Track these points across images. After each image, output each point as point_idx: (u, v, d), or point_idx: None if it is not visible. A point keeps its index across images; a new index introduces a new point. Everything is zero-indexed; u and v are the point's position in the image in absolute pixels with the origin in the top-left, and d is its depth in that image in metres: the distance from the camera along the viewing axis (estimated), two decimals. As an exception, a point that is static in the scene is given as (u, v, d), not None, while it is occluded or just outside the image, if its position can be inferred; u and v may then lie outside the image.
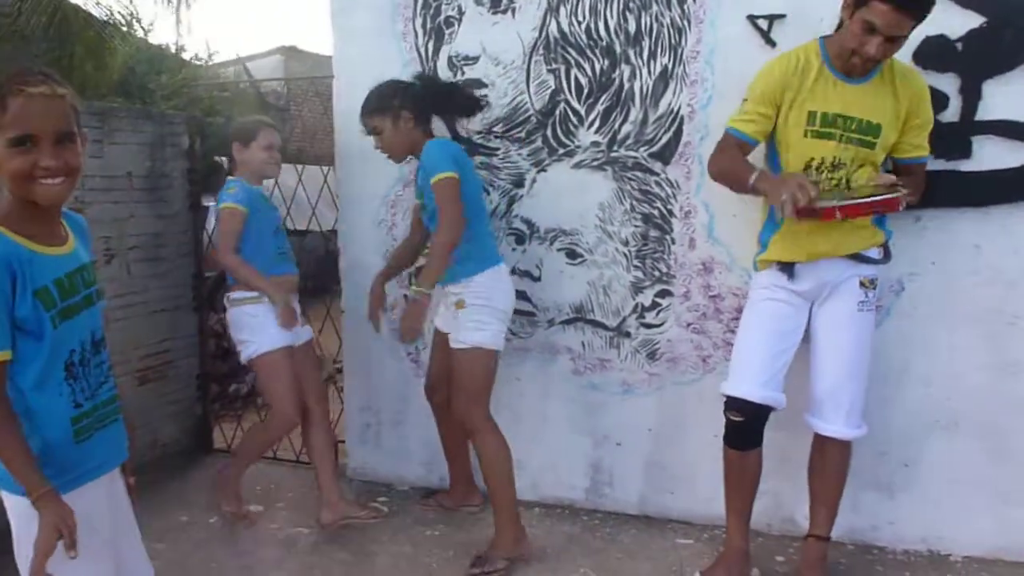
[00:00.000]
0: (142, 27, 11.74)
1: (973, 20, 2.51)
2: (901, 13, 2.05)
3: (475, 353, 2.67)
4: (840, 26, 2.27)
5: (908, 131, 2.34)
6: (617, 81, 2.89)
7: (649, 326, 2.97)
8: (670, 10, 2.80)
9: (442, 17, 3.07)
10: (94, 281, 1.57)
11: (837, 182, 2.34)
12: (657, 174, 2.88)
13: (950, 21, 2.52)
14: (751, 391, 2.41)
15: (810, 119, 2.30)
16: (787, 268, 2.44)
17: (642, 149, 2.89)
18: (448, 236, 2.61)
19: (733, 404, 2.46)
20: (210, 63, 12.36)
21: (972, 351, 2.65)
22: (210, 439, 3.94)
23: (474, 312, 2.67)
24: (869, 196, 2.18)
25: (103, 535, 1.54)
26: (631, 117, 2.89)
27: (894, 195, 2.15)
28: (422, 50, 3.12)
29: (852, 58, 2.20)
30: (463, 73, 3.06)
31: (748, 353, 2.48)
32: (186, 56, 11.53)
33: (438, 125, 3.08)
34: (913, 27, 2.12)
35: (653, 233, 2.92)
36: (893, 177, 2.29)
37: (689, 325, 2.92)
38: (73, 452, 1.50)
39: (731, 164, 2.38)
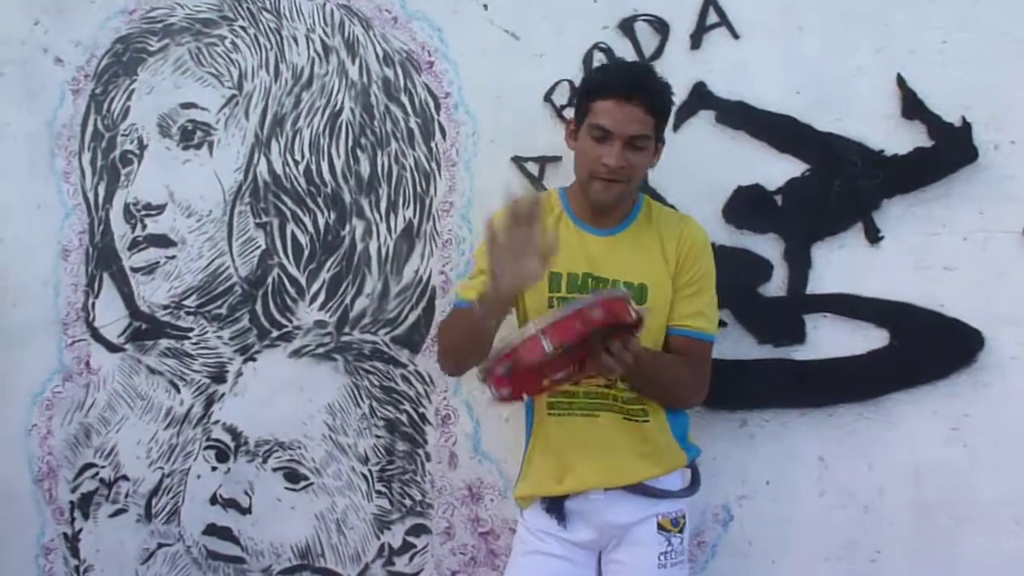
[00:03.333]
0: None
1: (794, 167, 2.00)
2: (632, 104, 1.62)
3: None
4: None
5: (679, 289, 1.77)
6: (347, 240, 2.23)
7: None
8: (414, 149, 2.18)
9: (117, 152, 2.39)
10: None
11: None
12: (404, 365, 2.20)
13: (765, 168, 2.01)
14: None
15: (553, 284, 1.72)
16: (555, 507, 1.75)
17: (383, 332, 2.21)
18: None
19: None
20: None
21: None
22: None
23: None
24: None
25: None
26: (367, 288, 2.22)
27: (615, 296, 1.49)
28: (90, 195, 2.42)
29: (593, 187, 1.69)
30: (144, 226, 2.36)
31: None
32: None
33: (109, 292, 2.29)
34: (656, 125, 1.67)
35: (401, 446, 2.21)
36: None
37: (455, 574, 2.19)
38: None
39: (454, 330, 1.78)
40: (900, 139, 1.95)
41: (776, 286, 2.01)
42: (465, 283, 1.86)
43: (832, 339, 2.00)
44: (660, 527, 1.75)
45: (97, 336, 2.40)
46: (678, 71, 1.98)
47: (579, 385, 1.70)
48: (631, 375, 1.62)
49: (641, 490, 1.73)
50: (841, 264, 1.99)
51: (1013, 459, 1.92)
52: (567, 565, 1.75)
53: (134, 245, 2.35)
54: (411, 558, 2.21)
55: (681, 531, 1.78)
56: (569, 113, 2.07)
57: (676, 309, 1.76)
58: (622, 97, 1.62)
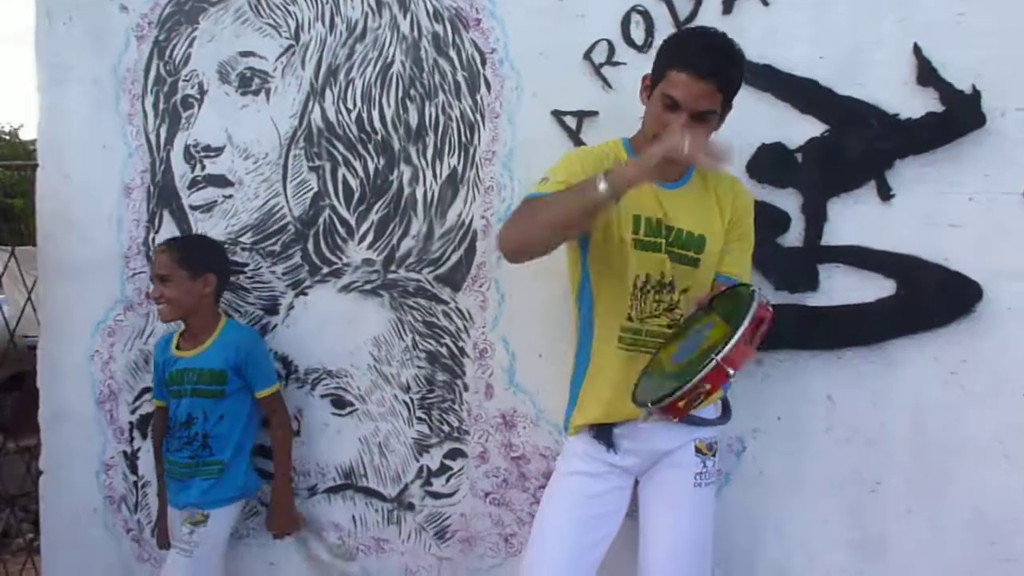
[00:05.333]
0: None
1: (814, 128, 2.10)
2: (704, 82, 1.67)
3: None
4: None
5: (730, 243, 1.91)
6: (395, 185, 2.32)
7: (437, 496, 2.34)
8: (460, 101, 2.27)
9: (179, 96, 2.46)
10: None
11: (668, 306, 1.85)
12: (445, 302, 2.30)
13: (788, 128, 2.11)
14: None
15: (635, 225, 1.81)
16: (604, 435, 1.88)
17: (426, 270, 2.31)
18: None
19: None
20: (17, 138, 11.17)
21: (830, 525, 2.15)
22: None
23: None
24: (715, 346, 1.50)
25: None
26: (412, 230, 2.32)
27: (763, 304, 1.51)
28: (152, 136, 2.49)
29: None
30: (203, 167, 2.44)
31: (548, 546, 1.87)
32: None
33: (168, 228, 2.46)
34: (723, 103, 1.73)
35: (441, 377, 2.32)
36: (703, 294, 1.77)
37: (488, 495, 2.31)
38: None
39: (550, 203, 1.69)
40: (914, 104, 2.04)
41: (794, 237, 2.12)
42: (541, 186, 1.78)
43: (844, 287, 2.10)
44: (697, 450, 1.89)
45: (157, 269, 2.50)
46: (710, 34, 2.09)
47: (644, 323, 1.82)
48: None
49: (684, 419, 1.87)
50: (855, 218, 2.08)
51: (1005, 401, 2.03)
52: (607, 486, 1.89)
53: (193, 184, 2.44)
54: (448, 479, 2.33)
55: (714, 455, 1.92)
56: (608, 71, 2.18)
57: (728, 259, 1.89)
58: (697, 74, 1.66)
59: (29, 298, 2.85)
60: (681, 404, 1.51)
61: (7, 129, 10.91)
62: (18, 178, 8.07)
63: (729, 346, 1.45)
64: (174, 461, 2.28)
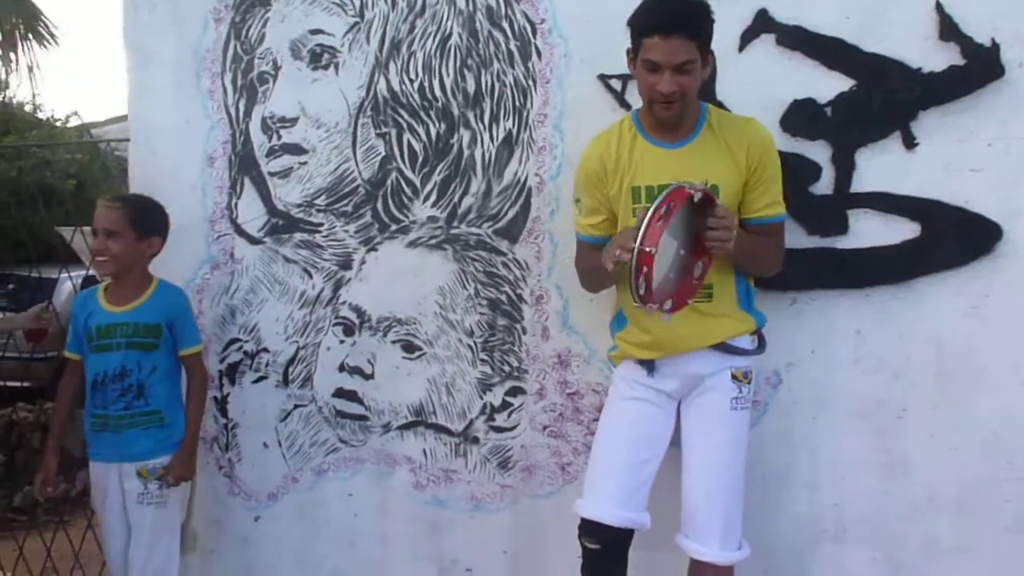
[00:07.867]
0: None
1: (842, 83, 2.26)
2: (673, 38, 1.86)
3: None
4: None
5: (754, 187, 2.04)
6: (456, 147, 2.52)
7: (500, 430, 2.55)
8: (513, 68, 2.46)
9: (255, 73, 2.66)
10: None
11: None
12: (504, 254, 2.51)
13: (817, 84, 2.27)
14: (608, 513, 2.03)
15: (635, 196, 2.03)
16: (646, 363, 2.11)
17: (486, 225, 2.51)
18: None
19: (588, 528, 2.06)
20: (67, 125, 11.54)
21: (859, 449, 2.34)
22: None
23: None
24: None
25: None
26: (472, 188, 2.52)
27: (672, 187, 1.79)
28: (232, 110, 2.70)
29: (654, 109, 1.97)
30: (279, 137, 2.65)
31: (604, 465, 2.11)
32: (42, 116, 10.78)
33: (249, 194, 2.64)
34: (700, 49, 1.90)
35: (501, 321, 2.53)
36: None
37: (545, 428, 2.52)
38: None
39: (592, 263, 2.10)
40: (936, 58, 2.18)
41: (824, 185, 2.27)
42: (581, 220, 2.15)
43: (871, 231, 2.26)
44: (733, 377, 2.08)
45: (240, 231, 2.70)
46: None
47: None
48: (735, 249, 1.89)
49: (720, 347, 2.06)
50: (881, 167, 2.24)
51: (1022, 331, 2.18)
52: (656, 410, 2.11)
53: (271, 153, 2.64)
54: (509, 415, 2.53)
55: (750, 383, 2.11)
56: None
57: (754, 202, 2.04)
58: (665, 33, 1.85)
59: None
60: (641, 290, 1.78)
61: (59, 117, 11.23)
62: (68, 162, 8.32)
63: (638, 232, 1.74)
64: (106, 414, 2.40)
